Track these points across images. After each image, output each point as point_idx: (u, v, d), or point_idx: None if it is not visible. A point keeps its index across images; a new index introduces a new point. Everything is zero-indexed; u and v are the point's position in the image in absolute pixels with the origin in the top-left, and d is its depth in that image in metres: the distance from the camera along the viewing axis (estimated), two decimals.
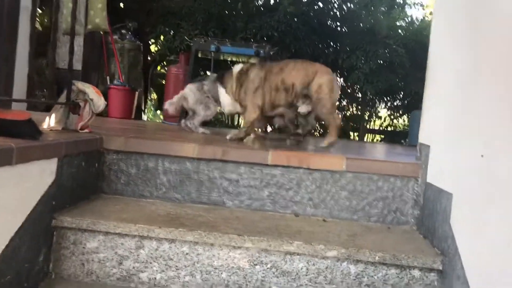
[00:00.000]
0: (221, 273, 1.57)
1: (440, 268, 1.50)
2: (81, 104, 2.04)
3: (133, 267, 1.60)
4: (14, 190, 1.34)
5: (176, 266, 1.59)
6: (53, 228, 1.60)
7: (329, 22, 7.08)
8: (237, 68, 2.88)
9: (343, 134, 7.84)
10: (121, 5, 7.43)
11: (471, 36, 1.50)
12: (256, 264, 1.57)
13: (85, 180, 1.87)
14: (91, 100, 2.01)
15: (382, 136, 8.21)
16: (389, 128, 8.28)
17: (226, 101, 2.95)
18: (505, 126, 1.17)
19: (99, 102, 2.02)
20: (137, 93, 5.61)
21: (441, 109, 1.74)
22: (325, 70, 2.71)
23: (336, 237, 1.66)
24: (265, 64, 2.90)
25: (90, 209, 1.74)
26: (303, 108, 2.78)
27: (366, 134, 7.97)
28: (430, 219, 1.71)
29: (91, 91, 2.02)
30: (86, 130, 2.04)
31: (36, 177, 1.48)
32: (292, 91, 2.65)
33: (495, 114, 1.24)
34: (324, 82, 2.61)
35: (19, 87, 1.84)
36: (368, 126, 8.05)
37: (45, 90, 5.18)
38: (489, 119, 1.27)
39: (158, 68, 7.84)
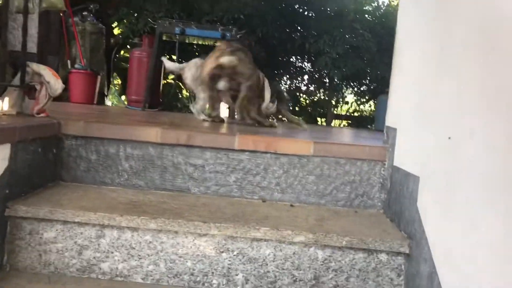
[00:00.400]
0: (186, 262, 1.53)
1: (407, 251, 1.50)
2: (37, 87, 1.94)
3: (94, 257, 1.54)
4: None
5: (139, 255, 1.53)
6: (6, 217, 1.51)
7: (296, 6, 7.03)
8: None
9: (310, 119, 7.86)
10: None
11: (438, 16, 1.49)
12: (222, 252, 1.53)
13: (42, 167, 1.78)
14: (48, 82, 1.91)
15: (349, 122, 8.28)
16: (356, 114, 8.35)
17: None
18: (472, 108, 1.16)
19: (56, 85, 1.92)
20: (99, 77, 5.43)
21: (408, 91, 1.72)
22: (225, 50, 2.83)
23: (304, 222, 1.63)
24: None
25: (48, 198, 1.65)
26: (220, 85, 2.90)
27: (333, 120, 8.02)
28: (397, 202, 1.70)
29: (48, 73, 1.92)
30: (42, 115, 1.94)
31: None
32: None
33: (462, 96, 1.23)
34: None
35: None
36: (335, 112, 8.09)
37: None
38: (457, 101, 1.26)
39: (122, 52, 7.63)
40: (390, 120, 1.91)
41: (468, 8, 1.26)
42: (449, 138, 1.26)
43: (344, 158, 1.89)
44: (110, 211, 1.54)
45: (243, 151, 1.90)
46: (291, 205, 1.87)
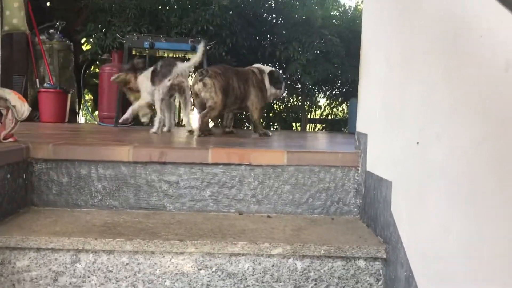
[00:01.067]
0: (165, 281, 1.51)
1: (384, 256, 1.51)
2: (3, 111, 1.90)
3: (70, 283, 1.51)
4: None
5: (116, 278, 1.51)
6: None
7: (264, 14, 7.07)
8: None
9: (285, 125, 7.91)
10: (48, 4, 7.07)
11: (400, 22, 1.51)
12: (200, 269, 1.51)
13: (12, 194, 1.74)
14: (14, 106, 1.87)
15: (324, 125, 8.35)
16: (329, 117, 8.43)
17: None
18: (437, 112, 1.18)
19: (23, 109, 1.89)
20: (69, 95, 5.36)
21: (375, 97, 1.75)
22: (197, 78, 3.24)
23: (281, 233, 1.63)
24: None
25: (19, 224, 1.61)
26: None
27: (308, 124, 8.08)
28: (372, 207, 1.72)
29: (13, 97, 1.88)
30: (10, 139, 1.91)
31: None
32: None
33: (427, 101, 1.25)
34: None
35: None
36: (309, 116, 8.16)
37: None
38: (422, 106, 1.28)
39: (92, 68, 7.54)
40: (360, 125, 1.93)
41: (429, 14, 1.29)
42: (417, 143, 1.28)
43: (318, 166, 1.91)
44: (84, 235, 1.51)
45: (217, 164, 1.89)
46: (268, 216, 1.87)
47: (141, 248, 1.48)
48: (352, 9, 7.49)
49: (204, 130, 3.14)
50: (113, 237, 1.50)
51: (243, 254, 1.52)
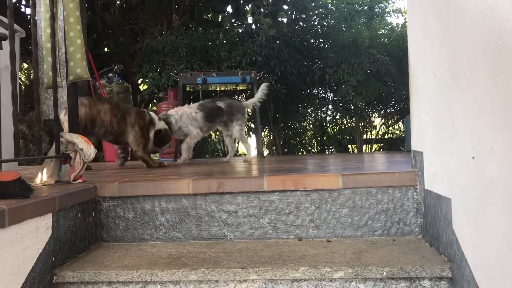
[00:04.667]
0: None
1: (450, 275, 1.47)
2: (72, 155, 2.04)
3: None
4: (9, 253, 1.32)
5: None
6: (55, 285, 1.58)
7: (311, 40, 7.15)
8: None
9: (341, 147, 7.84)
10: (105, 49, 7.52)
11: (445, 41, 1.51)
12: None
13: (84, 231, 1.85)
14: (81, 150, 2.01)
15: (380, 145, 8.21)
16: (386, 136, 8.29)
17: None
18: (489, 126, 1.17)
19: (89, 151, 2.02)
20: None
21: (427, 115, 1.73)
22: None
23: (342, 256, 1.63)
24: None
25: (91, 260, 1.71)
26: None
27: (364, 145, 7.97)
28: (433, 226, 1.69)
29: (80, 141, 2.02)
30: (79, 180, 2.03)
31: (32, 236, 1.46)
32: None
33: (477, 115, 1.23)
34: None
35: (7, 148, 1.84)
36: (364, 137, 8.06)
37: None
38: (474, 121, 1.27)
39: (150, 106, 7.89)
40: (415, 143, 1.91)
41: (472, 27, 1.28)
42: (473, 157, 1.26)
43: (375, 187, 1.90)
44: (151, 267, 1.58)
45: (273, 191, 1.93)
46: (328, 241, 1.88)
47: (205, 277, 1.53)
48: (400, 26, 7.42)
49: None
50: (178, 268, 1.56)
51: (305, 280, 1.53)
